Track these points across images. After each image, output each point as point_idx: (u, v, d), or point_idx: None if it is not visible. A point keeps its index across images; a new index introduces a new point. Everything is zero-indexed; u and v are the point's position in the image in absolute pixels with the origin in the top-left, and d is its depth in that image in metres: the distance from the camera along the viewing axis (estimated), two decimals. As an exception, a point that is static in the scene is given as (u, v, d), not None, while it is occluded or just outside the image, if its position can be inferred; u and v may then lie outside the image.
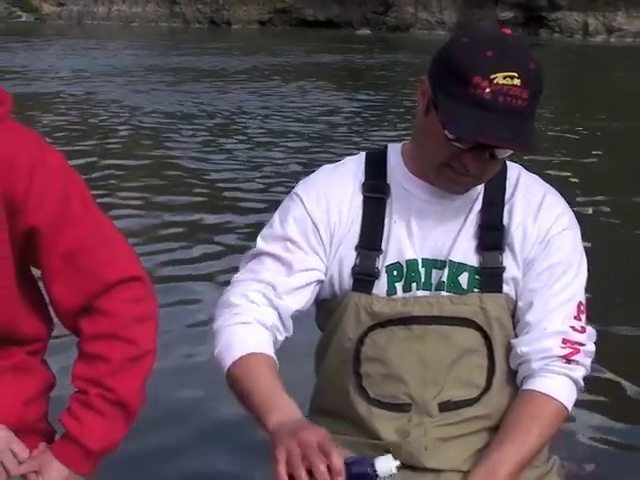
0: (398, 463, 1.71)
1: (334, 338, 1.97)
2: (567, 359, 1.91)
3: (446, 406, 1.91)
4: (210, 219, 6.83)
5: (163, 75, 18.46)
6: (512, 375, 1.95)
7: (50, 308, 1.91)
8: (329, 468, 1.62)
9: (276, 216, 2.00)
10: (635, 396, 3.91)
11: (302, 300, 1.96)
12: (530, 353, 1.91)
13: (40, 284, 1.91)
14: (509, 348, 1.94)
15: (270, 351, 1.90)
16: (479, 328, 1.91)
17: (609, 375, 3.95)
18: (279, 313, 1.93)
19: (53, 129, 10.81)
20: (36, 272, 1.89)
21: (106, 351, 1.82)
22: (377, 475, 1.71)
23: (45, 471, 1.85)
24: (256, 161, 9.16)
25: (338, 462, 1.63)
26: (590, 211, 7.02)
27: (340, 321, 1.95)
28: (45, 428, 1.94)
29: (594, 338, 1.96)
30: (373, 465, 1.72)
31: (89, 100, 14.07)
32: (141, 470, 3.15)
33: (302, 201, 1.97)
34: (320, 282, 1.96)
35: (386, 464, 1.72)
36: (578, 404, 1.98)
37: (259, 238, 2.00)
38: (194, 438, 3.44)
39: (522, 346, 1.91)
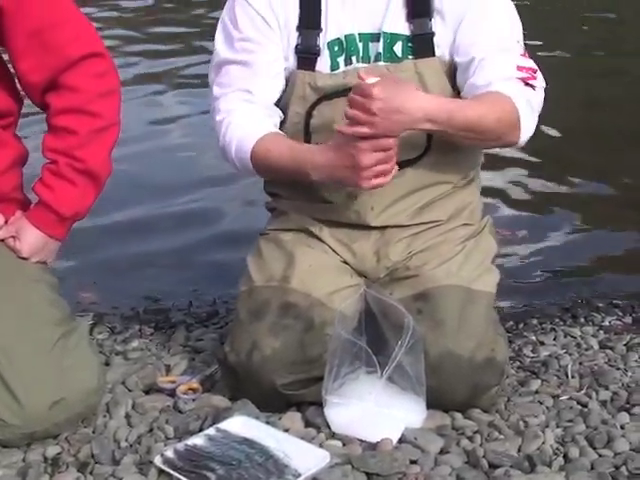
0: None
1: (286, 116, 2.11)
2: (525, 82, 2.01)
3: None
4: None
5: None
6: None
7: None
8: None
9: (225, 19, 2.11)
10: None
11: (278, 88, 2.10)
12: (489, 81, 1.98)
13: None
14: None
15: (277, 130, 2.07)
16: None
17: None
18: (264, 106, 2.08)
19: None
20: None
21: (73, 124, 1.95)
22: None
23: (22, 235, 2.00)
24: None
25: None
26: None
27: (289, 99, 2.10)
28: (21, 198, 2.07)
29: (543, 80, 2.06)
30: None
31: None
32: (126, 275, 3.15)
33: (246, 0, 2.07)
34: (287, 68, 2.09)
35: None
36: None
37: (217, 45, 2.12)
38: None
39: (479, 80, 1.99)
